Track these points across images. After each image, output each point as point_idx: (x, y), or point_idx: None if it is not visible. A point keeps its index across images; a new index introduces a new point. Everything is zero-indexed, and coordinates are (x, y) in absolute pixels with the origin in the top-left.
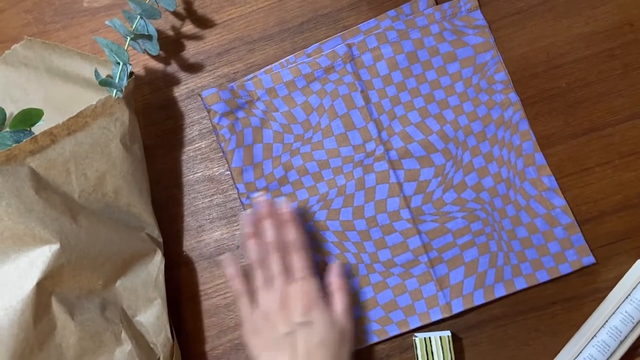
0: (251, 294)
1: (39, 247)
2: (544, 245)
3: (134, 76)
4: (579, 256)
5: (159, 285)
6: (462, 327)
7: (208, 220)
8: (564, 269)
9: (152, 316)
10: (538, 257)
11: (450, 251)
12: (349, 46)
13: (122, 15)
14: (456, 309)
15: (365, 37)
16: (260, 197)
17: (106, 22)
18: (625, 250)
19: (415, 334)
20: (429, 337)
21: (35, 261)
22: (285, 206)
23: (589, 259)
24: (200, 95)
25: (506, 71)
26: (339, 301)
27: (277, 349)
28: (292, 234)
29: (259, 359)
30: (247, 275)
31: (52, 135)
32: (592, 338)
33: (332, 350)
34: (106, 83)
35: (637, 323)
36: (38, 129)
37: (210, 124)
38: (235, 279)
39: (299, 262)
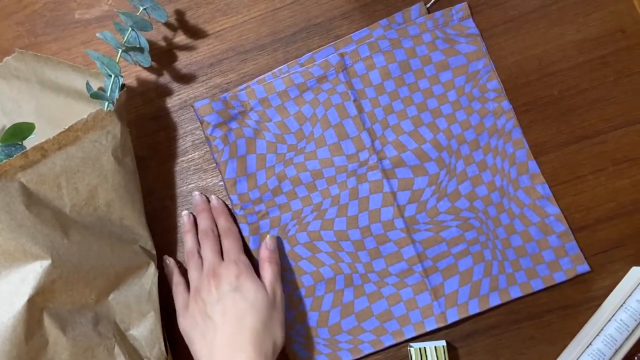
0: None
1: (30, 263)
2: (539, 254)
3: (125, 88)
4: (574, 264)
5: (152, 298)
6: (457, 336)
7: None
8: (559, 277)
9: (145, 330)
10: (532, 265)
11: (444, 260)
12: (342, 55)
13: (113, 27)
14: (451, 319)
15: (358, 46)
16: (196, 196)
17: (97, 35)
18: (620, 257)
19: (411, 344)
20: (424, 347)
21: (26, 277)
22: (215, 199)
23: (584, 267)
24: (192, 106)
25: (499, 79)
26: (268, 271)
27: (207, 319)
28: (222, 221)
29: (192, 339)
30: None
31: (43, 150)
32: (588, 347)
33: (263, 313)
34: (97, 96)
35: (632, 331)
36: (30, 142)
37: (203, 135)
38: (173, 271)
39: (229, 245)
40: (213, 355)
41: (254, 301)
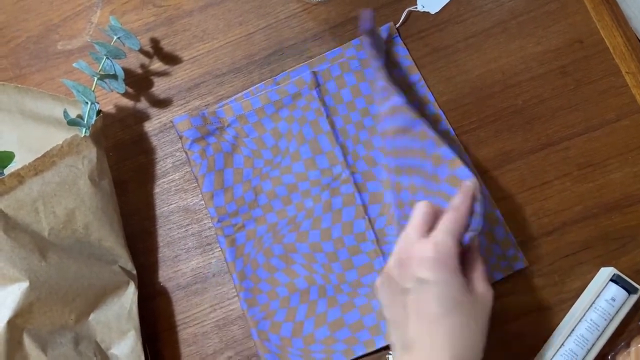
0: None
1: (9, 285)
2: (489, 249)
3: (101, 114)
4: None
5: (132, 316)
6: None
7: (184, 250)
8: (498, 275)
9: (126, 348)
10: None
11: None
12: (315, 74)
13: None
14: None
15: (330, 65)
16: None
17: (73, 65)
18: (588, 259)
19: (389, 351)
20: None
21: (5, 300)
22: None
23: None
24: (172, 122)
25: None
26: (479, 265)
27: (398, 303)
28: (457, 196)
29: (386, 317)
30: None
31: (20, 177)
32: (560, 347)
33: (464, 320)
34: (74, 122)
35: (603, 331)
36: (10, 170)
37: (183, 156)
38: None
39: (443, 221)
40: None
41: (460, 301)
